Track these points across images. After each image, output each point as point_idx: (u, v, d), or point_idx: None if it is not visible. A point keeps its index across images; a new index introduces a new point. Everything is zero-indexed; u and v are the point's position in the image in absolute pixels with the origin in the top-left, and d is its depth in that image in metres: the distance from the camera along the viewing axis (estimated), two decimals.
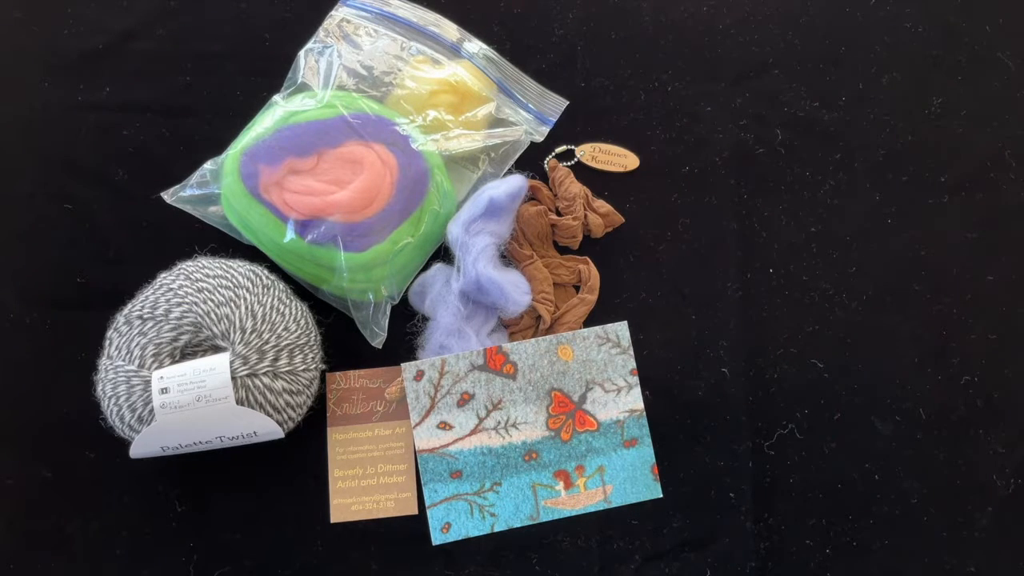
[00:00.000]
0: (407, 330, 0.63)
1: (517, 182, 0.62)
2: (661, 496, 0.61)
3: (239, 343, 0.55)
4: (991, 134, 0.67)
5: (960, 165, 0.66)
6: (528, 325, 0.63)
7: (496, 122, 0.65)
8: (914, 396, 0.63)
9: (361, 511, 0.61)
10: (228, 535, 0.60)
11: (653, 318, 0.64)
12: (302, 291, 0.61)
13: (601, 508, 0.61)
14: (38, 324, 0.63)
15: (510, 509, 0.61)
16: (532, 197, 0.65)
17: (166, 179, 0.63)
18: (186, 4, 0.68)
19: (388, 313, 0.61)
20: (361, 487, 0.61)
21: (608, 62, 0.68)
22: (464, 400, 0.61)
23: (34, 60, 0.67)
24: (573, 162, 0.66)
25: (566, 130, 0.66)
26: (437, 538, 0.60)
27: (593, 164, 0.66)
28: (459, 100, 0.64)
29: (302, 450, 0.61)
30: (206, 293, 0.56)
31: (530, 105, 0.66)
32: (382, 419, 0.62)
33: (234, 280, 0.57)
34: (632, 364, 0.62)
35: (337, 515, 0.61)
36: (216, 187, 0.60)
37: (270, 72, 0.65)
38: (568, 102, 0.66)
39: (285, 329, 0.56)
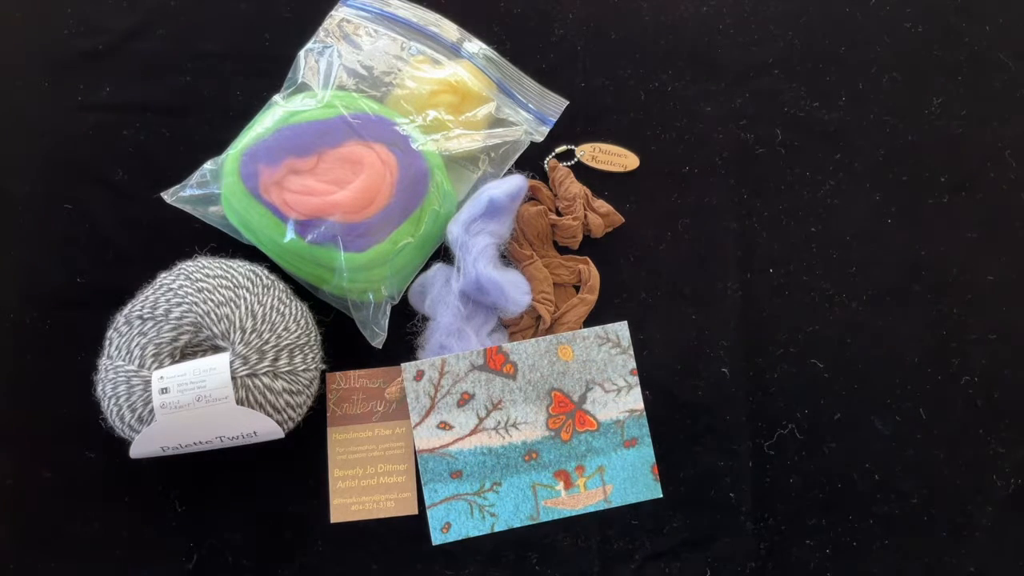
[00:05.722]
0: (407, 330, 0.63)
1: (517, 182, 0.62)
2: (661, 496, 0.61)
3: (239, 343, 0.55)
4: (991, 134, 0.67)
5: (960, 165, 0.66)
6: (528, 325, 0.63)
7: (496, 122, 0.65)
8: (914, 396, 0.63)
9: (361, 511, 0.61)
10: (228, 535, 0.60)
11: (653, 318, 0.64)
12: (302, 291, 0.61)
13: (601, 508, 0.61)
14: (38, 324, 0.63)
15: (510, 509, 0.61)
16: (532, 197, 0.65)
17: (166, 179, 0.63)
18: (186, 4, 0.68)
19: (388, 313, 0.61)
20: (361, 487, 0.61)
21: (608, 62, 0.68)
22: (464, 400, 0.61)
23: (34, 60, 0.67)
24: (573, 162, 0.66)
25: (566, 130, 0.66)
26: (437, 538, 0.60)
27: (593, 164, 0.66)
28: (459, 100, 0.64)
29: (302, 450, 0.61)
30: (206, 293, 0.56)
31: (530, 105, 0.66)
32: (382, 419, 0.62)
33: (234, 280, 0.57)
34: (632, 364, 0.62)
35: (337, 515, 0.61)
36: (216, 187, 0.60)
37: (270, 72, 0.65)
38: (568, 102, 0.66)
39: (285, 329, 0.56)
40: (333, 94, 0.61)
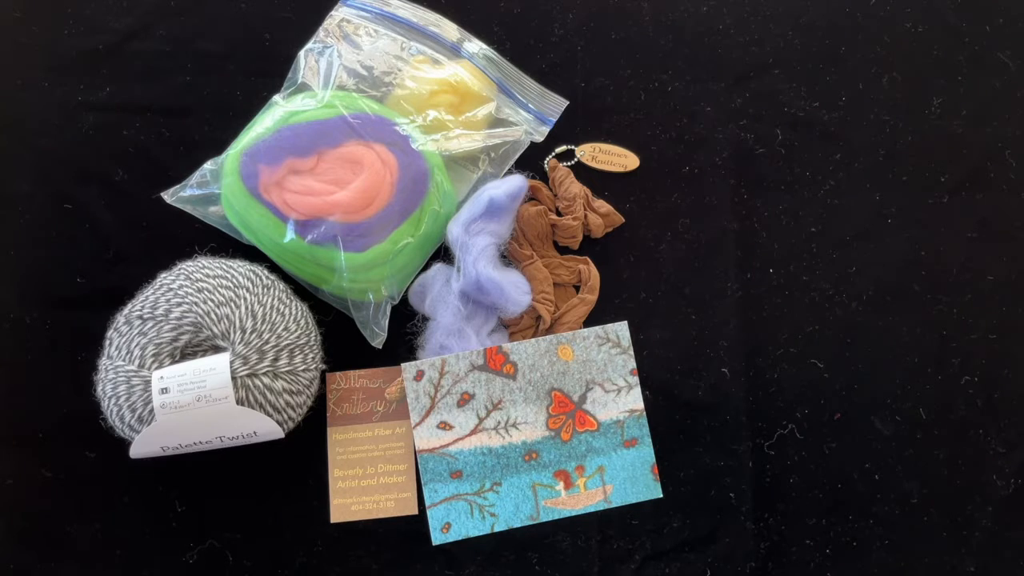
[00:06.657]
0: (407, 330, 0.63)
1: (517, 182, 0.62)
2: (661, 496, 0.61)
3: (239, 343, 0.55)
4: (991, 134, 0.67)
5: (960, 165, 0.66)
6: (528, 325, 0.63)
7: (496, 122, 0.65)
8: (914, 396, 0.63)
9: (361, 511, 0.61)
10: (228, 535, 0.60)
11: (653, 318, 0.64)
12: (302, 291, 0.61)
13: (601, 508, 0.61)
14: (38, 324, 0.63)
15: (510, 509, 0.61)
16: (532, 197, 0.65)
17: (166, 179, 0.63)
18: (186, 4, 0.68)
19: (388, 313, 0.61)
20: (361, 487, 0.61)
21: (608, 62, 0.68)
22: (464, 400, 0.61)
23: (34, 60, 0.67)
24: (573, 162, 0.66)
25: (566, 130, 0.66)
26: (437, 538, 0.60)
27: (593, 164, 0.66)
28: (459, 100, 0.64)
29: (302, 450, 0.61)
30: (206, 293, 0.56)
31: (530, 105, 0.66)
32: (382, 419, 0.62)
33: (234, 280, 0.57)
34: (632, 364, 0.62)
35: (337, 515, 0.61)
36: (216, 187, 0.60)
37: (270, 72, 0.65)
38: (568, 102, 0.66)
39: (285, 329, 0.56)
40: (333, 94, 0.61)
